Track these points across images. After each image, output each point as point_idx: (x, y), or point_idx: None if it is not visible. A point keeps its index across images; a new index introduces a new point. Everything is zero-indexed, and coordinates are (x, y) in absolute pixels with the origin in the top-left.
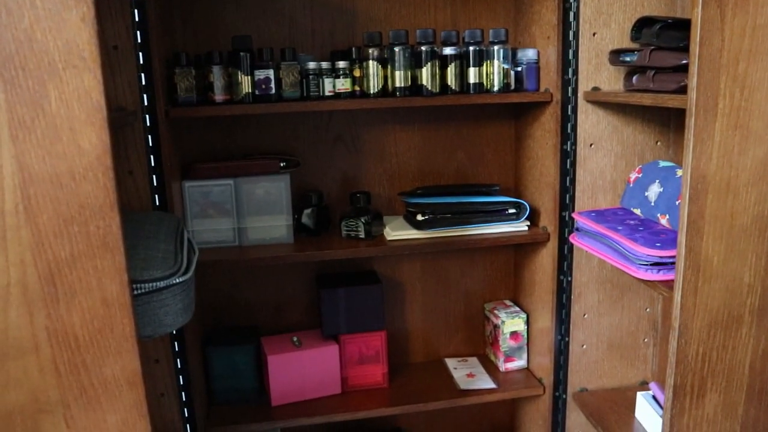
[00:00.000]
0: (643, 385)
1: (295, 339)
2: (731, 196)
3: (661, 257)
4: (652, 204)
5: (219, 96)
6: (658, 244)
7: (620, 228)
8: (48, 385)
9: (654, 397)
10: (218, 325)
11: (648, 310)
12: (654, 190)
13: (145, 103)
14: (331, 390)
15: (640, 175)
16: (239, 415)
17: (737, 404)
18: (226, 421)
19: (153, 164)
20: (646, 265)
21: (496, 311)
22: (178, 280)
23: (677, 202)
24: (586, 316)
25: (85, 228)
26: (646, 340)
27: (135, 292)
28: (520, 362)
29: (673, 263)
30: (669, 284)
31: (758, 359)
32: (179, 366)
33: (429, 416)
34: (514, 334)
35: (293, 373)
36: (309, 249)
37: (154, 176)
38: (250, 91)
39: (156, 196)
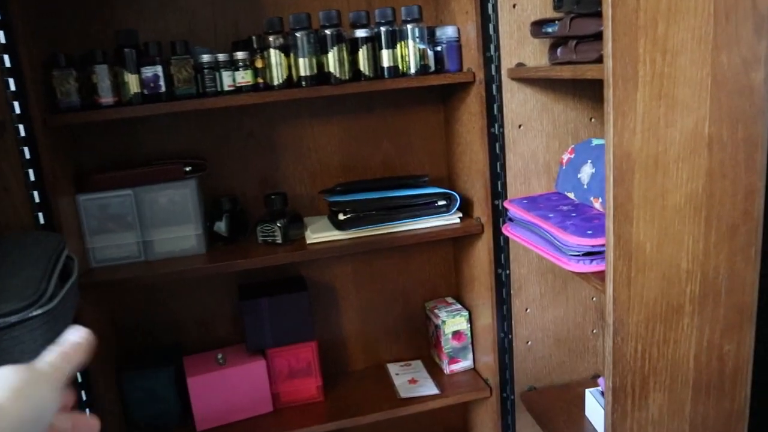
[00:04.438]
0: (594, 379)
1: (219, 356)
2: (660, 173)
3: (593, 246)
4: (585, 186)
5: (105, 98)
6: (590, 232)
7: (551, 215)
8: None
9: (603, 393)
10: (137, 347)
11: (594, 299)
12: (586, 172)
13: (17, 111)
14: (262, 409)
15: (572, 156)
16: None
17: (684, 402)
18: None
19: (33, 179)
20: (578, 255)
21: (436, 310)
22: (34, 313)
23: None
24: (528, 310)
25: None
26: (594, 331)
27: None
28: (465, 363)
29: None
30: (602, 275)
31: (703, 351)
32: (84, 398)
33: (375, 426)
34: (456, 334)
35: (218, 393)
36: (221, 259)
37: (35, 192)
38: (138, 90)
39: (40, 213)
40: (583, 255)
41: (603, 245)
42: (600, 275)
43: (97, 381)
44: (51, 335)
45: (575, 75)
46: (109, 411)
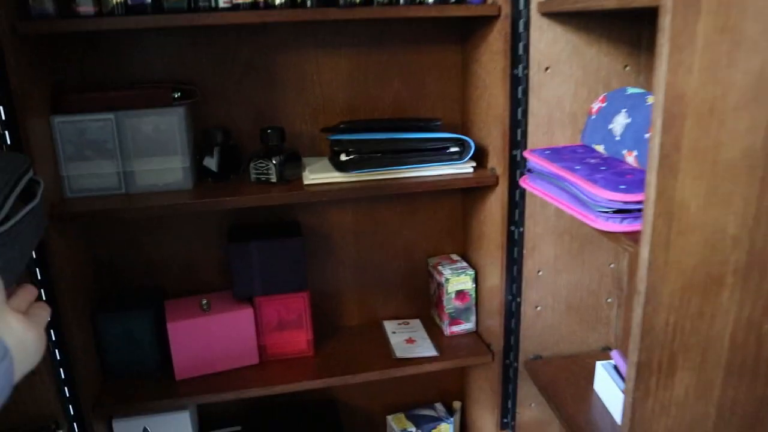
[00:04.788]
0: (605, 351)
1: (203, 302)
2: (716, 122)
3: (625, 203)
4: (617, 138)
5: (84, 6)
6: (623, 187)
7: (578, 168)
8: None
9: (615, 368)
10: (115, 288)
11: (612, 265)
12: (620, 122)
13: None
14: (247, 360)
15: (603, 105)
16: (136, 392)
17: (713, 384)
18: (121, 399)
19: None
20: (608, 212)
21: (440, 267)
22: None
23: (647, 135)
24: (540, 273)
25: None
26: (609, 300)
27: None
28: (467, 325)
29: (640, 210)
30: (635, 236)
31: (741, 329)
32: (53, 338)
33: (367, 385)
34: (460, 294)
35: (200, 341)
36: (209, 196)
37: (1, 108)
38: (121, 0)
39: (6, 133)
40: (614, 212)
41: (637, 202)
42: (632, 236)
43: (69, 321)
44: (4, 261)
45: (622, 4)
46: (82, 354)
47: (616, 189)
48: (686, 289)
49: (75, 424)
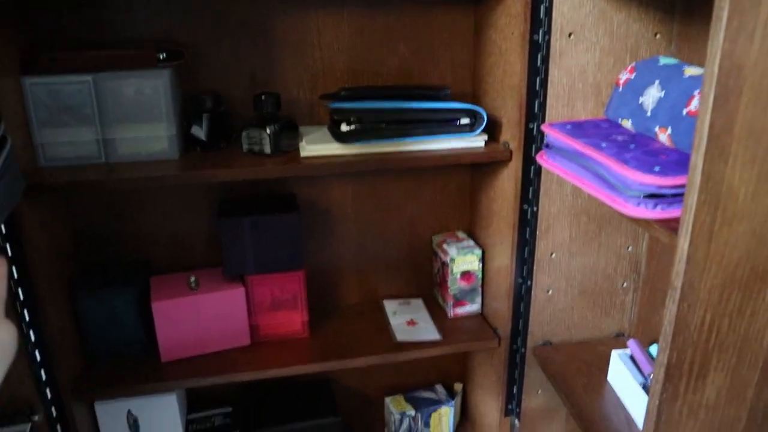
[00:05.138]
0: (619, 338)
1: (192, 280)
2: None
3: (659, 187)
4: (648, 114)
5: None
6: (657, 169)
7: (604, 145)
8: None
9: (632, 358)
10: (96, 263)
11: (630, 248)
12: (652, 95)
13: None
14: (238, 342)
15: (632, 76)
16: (119, 375)
17: (747, 386)
18: (103, 382)
19: None
20: (639, 197)
21: (445, 245)
22: None
23: (685, 111)
24: (553, 255)
25: None
26: (625, 284)
27: None
28: (472, 307)
29: (676, 195)
30: (671, 225)
31: None
32: (27, 318)
33: (363, 369)
34: (465, 274)
35: (187, 322)
36: (196, 167)
37: None
38: None
39: None
40: (646, 197)
41: (672, 186)
42: (666, 224)
43: (44, 299)
44: None
45: None
46: (59, 334)
47: (650, 171)
48: (726, 285)
49: (53, 408)
